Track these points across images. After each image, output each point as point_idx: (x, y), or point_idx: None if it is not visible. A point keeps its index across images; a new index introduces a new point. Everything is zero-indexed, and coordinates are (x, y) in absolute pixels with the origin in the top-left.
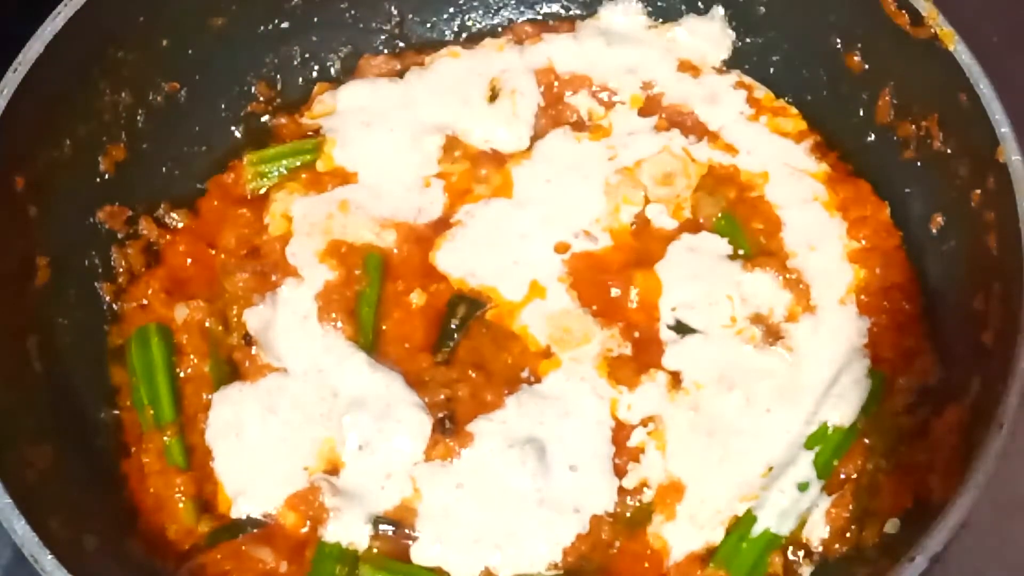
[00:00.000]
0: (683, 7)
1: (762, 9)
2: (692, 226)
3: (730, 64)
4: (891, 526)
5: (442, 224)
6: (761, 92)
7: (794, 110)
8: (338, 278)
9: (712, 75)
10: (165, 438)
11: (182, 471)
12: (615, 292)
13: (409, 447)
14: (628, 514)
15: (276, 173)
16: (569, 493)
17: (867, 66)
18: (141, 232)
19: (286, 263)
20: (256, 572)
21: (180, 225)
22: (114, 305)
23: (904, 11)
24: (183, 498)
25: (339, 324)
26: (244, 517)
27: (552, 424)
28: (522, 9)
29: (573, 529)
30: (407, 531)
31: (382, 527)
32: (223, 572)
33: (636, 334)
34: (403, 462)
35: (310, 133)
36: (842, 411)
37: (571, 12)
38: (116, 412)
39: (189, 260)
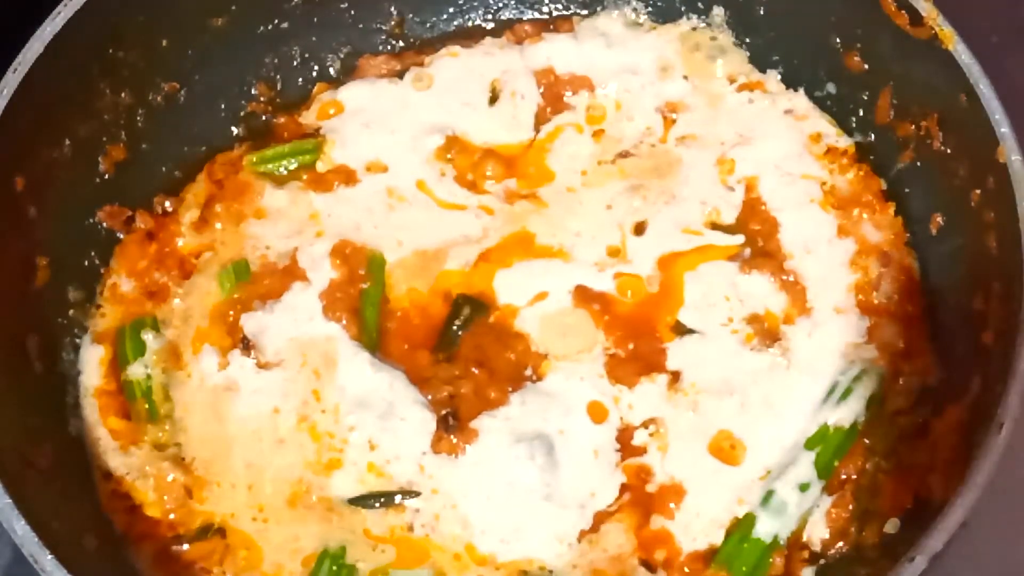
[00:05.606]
0: (683, 7)
1: (762, 9)
2: None
3: (730, 64)
4: (891, 526)
5: None
6: (773, 85)
7: (803, 104)
8: (341, 277)
9: (712, 76)
10: (159, 435)
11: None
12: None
13: (413, 444)
14: (629, 512)
15: (276, 174)
16: (573, 489)
17: (867, 66)
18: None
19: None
20: (253, 569)
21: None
22: None
23: (904, 11)
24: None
25: (343, 323)
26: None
27: (557, 421)
28: (522, 9)
29: (577, 525)
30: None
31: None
32: (220, 570)
33: (635, 334)
34: (408, 458)
35: (310, 133)
36: (842, 412)
37: (571, 12)
38: None
39: None
